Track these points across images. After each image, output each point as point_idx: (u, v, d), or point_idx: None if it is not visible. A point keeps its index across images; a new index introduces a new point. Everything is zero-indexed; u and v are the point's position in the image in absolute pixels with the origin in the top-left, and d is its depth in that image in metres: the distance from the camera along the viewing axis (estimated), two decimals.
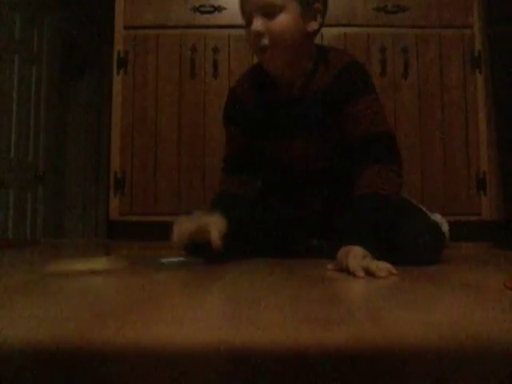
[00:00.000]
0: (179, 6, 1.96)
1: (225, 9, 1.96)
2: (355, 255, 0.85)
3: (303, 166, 1.17)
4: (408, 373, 0.34)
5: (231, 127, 1.23)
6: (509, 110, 1.87)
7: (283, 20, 1.04)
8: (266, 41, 1.04)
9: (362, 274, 0.81)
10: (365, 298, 0.63)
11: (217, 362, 0.36)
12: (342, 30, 1.94)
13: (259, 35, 1.04)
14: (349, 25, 1.94)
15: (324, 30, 1.94)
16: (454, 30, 1.95)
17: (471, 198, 1.88)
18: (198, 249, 1.04)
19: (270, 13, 1.03)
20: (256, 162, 1.23)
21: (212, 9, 1.96)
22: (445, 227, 1.14)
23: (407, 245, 0.99)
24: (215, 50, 1.95)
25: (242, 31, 1.99)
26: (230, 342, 0.40)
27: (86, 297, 0.64)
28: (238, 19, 2.00)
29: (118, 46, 1.96)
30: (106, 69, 3.72)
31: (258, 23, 1.03)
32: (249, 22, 1.07)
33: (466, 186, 1.88)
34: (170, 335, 0.42)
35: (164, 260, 1.04)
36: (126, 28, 1.97)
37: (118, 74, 1.96)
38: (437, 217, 1.15)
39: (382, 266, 0.82)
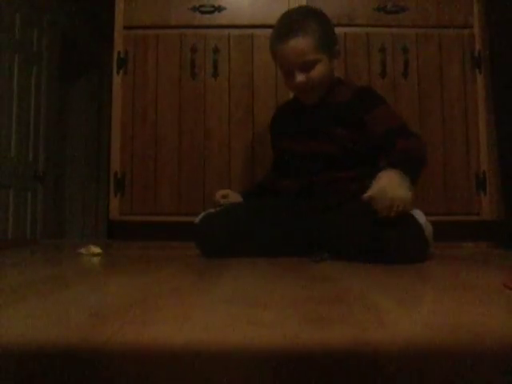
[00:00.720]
0: (179, 5, 1.96)
1: (225, 9, 1.96)
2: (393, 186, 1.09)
3: (316, 159, 1.40)
4: (408, 372, 0.34)
5: (271, 135, 1.62)
6: (509, 110, 1.87)
7: (320, 70, 1.32)
8: (308, 86, 1.33)
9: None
10: (365, 298, 0.63)
11: (217, 361, 0.36)
12: (342, 30, 1.93)
13: (304, 84, 1.32)
14: (349, 25, 1.94)
15: None
16: (454, 30, 1.95)
17: (471, 197, 1.88)
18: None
19: (307, 66, 1.31)
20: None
21: (212, 9, 1.96)
22: (428, 230, 1.18)
23: (392, 249, 1.09)
24: (215, 50, 1.94)
25: (242, 31, 1.99)
26: (230, 341, 0.40)
27: (86, 297, 0.64)
28: (238, 19, 2.01)
29: (118, 46, 1.96)
30: (106, 69, 3.72)
31: (302, 76, 1.32)
32: (289, 75, 1.35)
33: (466, 186, 1.88)
34: (169, 335, 0.42)
35: (82, 250, 1.41)
36: (126, 28, 1.96)
37: (117, 73, 1.95)
38: (420, 216, 1.17)
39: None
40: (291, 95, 1.63)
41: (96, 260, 1.28)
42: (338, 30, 1.95)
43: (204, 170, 1.91)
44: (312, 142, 1.40)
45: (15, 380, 0.33)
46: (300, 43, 1.29)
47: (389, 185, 1.09)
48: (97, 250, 1.42)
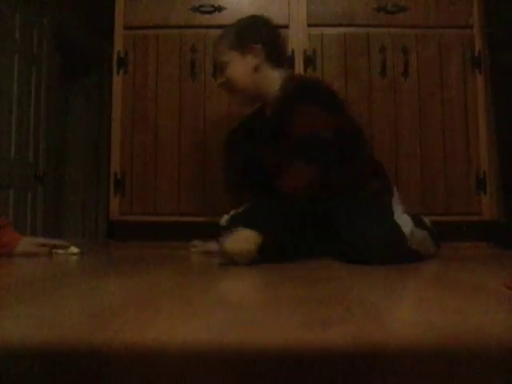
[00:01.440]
0: (179, 5, 1.96)
1: (225, 9, 1.96)
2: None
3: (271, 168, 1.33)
4: (408, 372, 0.34)
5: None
6: (509, 110, 1.87)
7: (231, 72, 1.33)
8: (227, 88, 1.36)
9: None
10: (365, 298, 0.63)
11: (217, 361, 0.36)
12: (342, 29, 1.93)
13: (221, 86, 1.37)
14: (349, 25, 1.94)
15: (324, 30, 1.94)
16: (454, 30, 1.95)
17: (471, 197, 1.87)
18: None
19: (223, 69, 1.34)
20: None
21: (212, 9, 1.96)
22: (407, 229, 1.17)
23: (355, 240, 1.11)
24: None
25: None
26: (230, 342, 0.40)
27: (86, 297, 0.64)
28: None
29: (118, 46, 1.96)
30: (106, 69, 3.71)
31: (219, 78, 1.37)
32: None
33: (466, 186, 1.88)
34: (169, 335, 0.42)
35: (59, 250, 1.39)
36: (125, 28, 1.96)
37: (117, 73, 1.95)
38: (404, 218, 1.19)
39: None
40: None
41: (74, 259, 1.28)
42: (337, 30, 1.96)
43: (204, 170, 1.91)
44: (263, 152, 1.39)
45: (15, 380, 0.33)
46: (215, 46, 1.39)
47: None
48: (74, 249, 1.40)
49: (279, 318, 0.50)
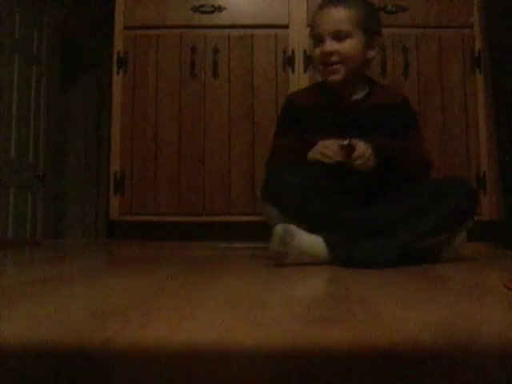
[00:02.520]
0: (179, 5, 1.96)
1: (225, 9, 1.96)
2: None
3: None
4: (408, 372, 0.34)
5: (287, 133, 1.40)
6: (509, 110, 1.87)
7: (350, 44, 1.27)
8: (334, 58, 1.27)
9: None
10: (365, 298, 0.63)
11: (217, 361, 0.36)
12: None
13: (330, 54, 1.26)
14: None
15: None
16: (454, 29, 1.95)
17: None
18: None
19: (339, 37, 1.26)
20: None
21: (212, 9, 1.96)
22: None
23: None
24: (215, 50, 1.94)
25: (242, 31, 1.99)
26: (230, 341, 0.40)
27: (86, 297, 0.64)
28: (238, 19, 2.01)
29: (118, 46, 1.96)
30: (106, 69, 3.72)
31: (331, 44, 1.26)
32: (318, 43, 1.28)
33: None
34: (169, 335, 0.42)
35: None
36: (126, 28, 1.96)
37: (117, 73, 1.95)
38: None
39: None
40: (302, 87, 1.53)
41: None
42: None
43: (204, 170, 1.91)
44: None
45: (15, 380, 0.33)
46: (340, 12, 1.26)
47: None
48: None
49: (279, 317, 0.50)
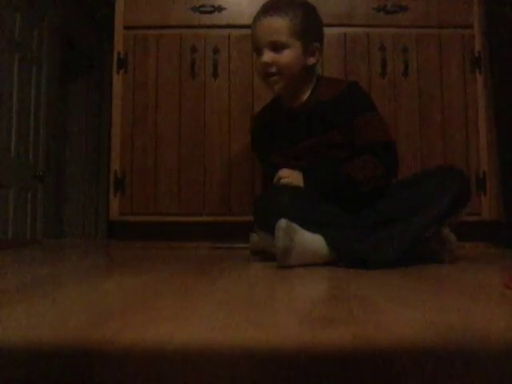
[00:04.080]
0: (179, 5, 1.96)
1: (225, 9, 1.96)
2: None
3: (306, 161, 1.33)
4: (408, 372, 0.34)
5: (257, 150, 1.53)
6: (509, 110, 1.87)
7: (288, 55, 1.26)
8: (272, 69, 1.27)
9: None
10: (365, 298, 0.63)
11: (217, 361, 0.36)
12: (342, 29, 1.93)
13: (268, 65, 1.27)
14: (349, 25, 1.94)
15: (324, 30, 1.94)
16: (454, 29, 1.95)
17: (471, 197, 1.87)
18: None
19: (277, 48, 1.26)
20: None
21: (212, 9, 1.96)
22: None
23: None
24: (215, 50, 1.94)
25: (242, 31, 1.99)
26: (230, 341, 0.40)
27: (86, 297, 0.64)
28: (238, 19, 2.01)
29: (118, 46, 1.96)
30: (106, 69, 3.72)
31: (268, 56, 1.26)
32: (259, 54, 1.29)
33: None
34: (169, 335, 0.42)
35: None
36: (126, 28, 1.96)
37: (117, 73, 1.95)
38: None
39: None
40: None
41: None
42: (337, 30, 1.96)
43: (204, 169, 1.91)
44: (308, 142, 1.32)
45: (15, 380, 0.33)
46: (276, 22, 1.25)
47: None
48: None
49: (279, 317, 0.50)
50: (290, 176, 1.27)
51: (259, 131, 1.47)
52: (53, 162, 3.04)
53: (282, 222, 1.08)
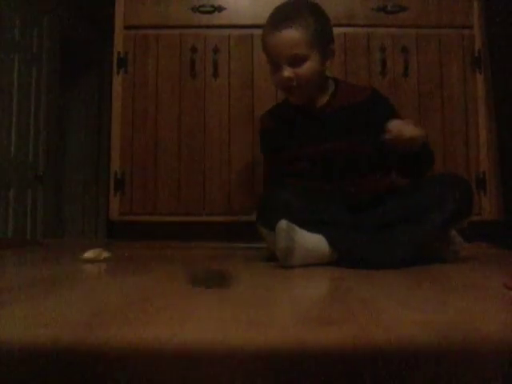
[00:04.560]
0: (179, 5, 1.96)
1: (225, 9, 1.96)
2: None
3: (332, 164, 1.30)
4: (408, 372, 0.34)
5: (271, 149, 1.43)
6: (509, 110, 1.87)
7: (308, 67, 1.24)
8: (294, 83, 1.24)
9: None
10: (365, 298, 0.63)
11: (217, 361, 0.36)
12: (342, 30, 1.93)
13: (290, 79, 1.24)
14: (349, 25, 1.94)
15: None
16: (454, 29, 1.94)
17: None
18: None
19: (296, 61, 1.23)
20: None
21: (212, 9, 1.96)
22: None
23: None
24: (215, 50, 1.94)
25: (241, 31, 1.99)
26: (230, 342, 0.40)
27: (86, 297, 0.64)
28: (238, 19, 2.01)
29: (118, 46, 1.96)
30: (106, 69, 3.72)
31: (288, 71, 1.23)
32: (277, 69, 1.26)
33: None
34: (169, 335, 0.42)
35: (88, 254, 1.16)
36: (126, 28, 1.96)
37: (117, 73, 1.95)
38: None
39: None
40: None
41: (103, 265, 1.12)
42: (337, 30, 1.95)
43: (204, 169, 1.91)
44: (330, 144, 1.29)
45: (15, 380, 0.33)
46: (292, 34, 1.21)
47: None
48: (104, 254, 1.18)
49: (279, 317, 0.50)
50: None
51: (274, 130, 1.39)
52: (53, 162, 3.04)
53: (283, 223, 1.06)
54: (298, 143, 1.32)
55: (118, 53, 1.95)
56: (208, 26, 1.96)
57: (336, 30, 1.93)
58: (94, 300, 0.62)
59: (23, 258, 1.33)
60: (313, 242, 1.10)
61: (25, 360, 0.36)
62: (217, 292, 0.69)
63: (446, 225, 1.16)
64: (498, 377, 0.34)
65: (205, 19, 1.96)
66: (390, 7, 1.94)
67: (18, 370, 0.34)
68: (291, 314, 0.52)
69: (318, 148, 1.29)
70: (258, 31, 1.98)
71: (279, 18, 1.25)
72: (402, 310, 0.54)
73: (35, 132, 2.78)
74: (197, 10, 1.96)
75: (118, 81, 1.95)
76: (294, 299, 0.63)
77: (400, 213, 1.16)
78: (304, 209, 1.15)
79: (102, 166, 3.88)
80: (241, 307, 0.56)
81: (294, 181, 1.30)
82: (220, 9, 1.96)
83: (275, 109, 1.46)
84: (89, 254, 1.16)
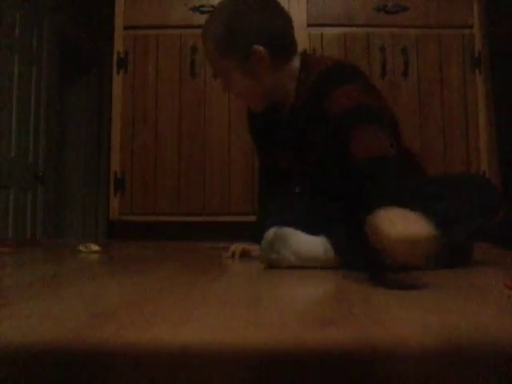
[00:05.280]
0: (179, 6, 1.96)
1: None
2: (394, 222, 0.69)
3: (299, 169, 1.18)
4: (408, 372, 0.34)
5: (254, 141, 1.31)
6: (509, 110, 1.87)
7: (234, 81, 1.06)
8: (235, 96, 1.13)
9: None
10: (365, 298, 0.63)
11: (217, 361, 0.36)
12: (342, 30, 1.93)
13: (227, 92, 1.13)
14: (349, 25, 1.94)
15: (324, 30, 1.94)
16: (454, 29, 1.95)
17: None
18: None
19: (220, 76, 1.09)
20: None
21: (212, 9, 1.96)
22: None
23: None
24: None
25: None
26: (230, 341, 0.40)
27: (86, 297, 0.64)
28: None
29: (118, 46, 1.96)
30: (106, 69, 3.72)
31: (222, 84, 1.11)
32: None
33: None
34: (169, 335, 0.42)
35: (81, 247, 1.44)
36: (126, 28, 1.97)
37: (117, 73, 1.95)
38: None
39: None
40: None
41: (94, 257, 1.28)
42: (337, 30, 1.96)
43: (204, 169, 1.91)
44: (289, 156, 1.15)
45: (15, 380, 0.33)
46: (206, 49, 1.07)
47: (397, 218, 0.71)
48: (95, 247, 1.44)
49: (278, 317, 0.50)
50: None
51: (254, 126, 1.25)
52: (53, 162, 3.04)
53: (270, 233, 0.99)
54: (279, 152, 1.18)
55: (118, 53, 1.95)
56: None
57: (336, 30, 1.94)
58: (94, 300, 0.62)
59: (23, 257, 1.33)
60: (309, 247, 0.99)
61: (24, 360, 0.36)
62: (217, 292, 0.69)
63: (471, 237, 1.05)
64: (498, 377, 0.34)
65: (205, 19, 1.96)
66: (389, 7, 1.94)
67: (18, 370, 0.34)
68: (291, 314, 0.52)
69: (280, 159, 1.17)
70: None
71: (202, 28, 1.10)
72: (402, 310, 0.54)
73: (35, 132, 2.78)
74: (197, 9, 1.96)
75: (118, 81, 1.95)
76: (294, 299, 0.63)
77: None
78: (305, 211, 1.10)
79: (102, 166, 3.88)
80: (240, 307, 0.56)
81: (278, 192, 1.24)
82: None
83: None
84: (82, 248, 1.43)
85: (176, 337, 0.42)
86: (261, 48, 1.02)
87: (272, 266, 0.99)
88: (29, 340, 0.40)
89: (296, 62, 1.09)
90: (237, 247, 1.26)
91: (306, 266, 0.98)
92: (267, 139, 1.19)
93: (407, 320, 0.48)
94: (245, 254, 1.25)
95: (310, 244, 0.99)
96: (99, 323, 0.46)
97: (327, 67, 1.04)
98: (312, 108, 1.03)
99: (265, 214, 1.22)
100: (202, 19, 1.96)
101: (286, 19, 1.09)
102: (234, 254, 1.25)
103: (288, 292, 0.70)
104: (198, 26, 2.01)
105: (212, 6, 1.96)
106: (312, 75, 1.05)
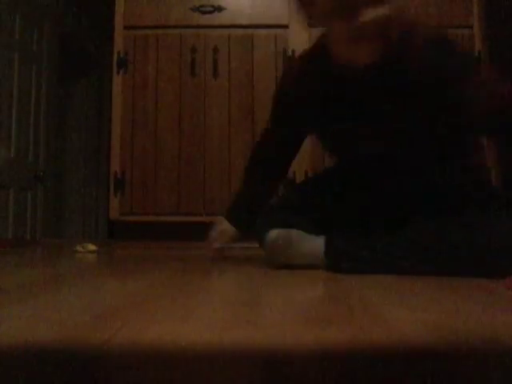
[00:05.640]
0: (179, 6, 1.96)
1: (225, 9, 1.96)
2: None
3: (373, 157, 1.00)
4: (408, 372, 0.34)
5: (281, 108, 1.15)
6: None
7: (372, 14, 0.86)
8: (368, 31, 0.88)
9: None
10: (365, 298, 0.63)
11: (217, 361, 0.36)
12: None
13: (353, 32, 0.89)
14: None
15: (324, 30, 1.94)
16: (454, 30, 1.95)
17: None
18: None
19: (357, 6, 0.85)
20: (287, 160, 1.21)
21: (212, 9, 1.96)
22: None
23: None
24: (215, 50, 1.94)
25: (241, 31, 1.99)
26: (230, 341, 0.40)
27: (86, 297, 0.64)
28: (238, 19, 2.01)
29: (118, 46, 1.96)
30: (106, 69, 3.72)
31: (351, 20, 0.88)
32: (338, 14, 0.90)
33: None
34: (169, 335, 0.42)
35: (78, 247, 1.46)
36: (126, 28, 1.97)
37: (118, 73, 1.95)
38: None
39: None
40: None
41: (93, 257, 1.28)
42: None
43: (204, 169, 1.91)
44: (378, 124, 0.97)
45: (15, 380, 0.33)
46: None
47: None
48: (92, 247, 1.46)
49: (278, 317, 0.50)
50: None
51: (307, 85, 1.06)
52: (53, 162, 3.04)
53: (272, 235, 0.97)
54: (336, 118, 1.01)
55: (118, 53, 1.95)
56: (208, 26, 1.96)
57: None
58: (94, 300, 0.62)
59: (23, 258, 1.33)
60: (312, 248, 0.97)
61: (25, 360, 0.36)
62: (217, 292, 0.69)
63: None
64: (498, 377, 0.34)
65: (205, 19, 1.96)
66: None
67: (18, 370, 0.34)
68: (291, 314, 0.52)
69: (360, 130, 0.98)
70: (258, 31, 1.99)
71: None
72: (401, 311, 0.54)
73: (35, 132, 2.78)
74: (197, 9, 1.96)
75: (118, 81, 1.95)
76: (295, 299, 0.63)
77: (464, 240, 0.88)
78: (311, 210, 1.05)
79: (102, 166, 3.88)
80: (241, 307, 0.56)
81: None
82: (220, 9, 1.96)
83: (308, 59, 1.09)
84: (79, 248, 1.45)
85: (176, 337, 0.42)
86: None
87: (275, 267, 0.99)
88: (29, 340, 0.40)
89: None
90: (214, 252, 1.22)
91: (307, 266, 0.98)
92: (337, 108, 1.00)
93: (407, 320, 0.48)
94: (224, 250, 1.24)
95: (314, 246, 0.97)
96: (99, 323, 0.46)
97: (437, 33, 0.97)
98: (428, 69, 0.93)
99: (252, 198, 1.25)
100: (202, 19, 1.96)
101: None
102: (214, 258, 1.23)
103: (288, 292, 0.70)
104: (198, 26, 2.02)
105: (212, 6, 1.96)
106: (417, 32, 0.94)
